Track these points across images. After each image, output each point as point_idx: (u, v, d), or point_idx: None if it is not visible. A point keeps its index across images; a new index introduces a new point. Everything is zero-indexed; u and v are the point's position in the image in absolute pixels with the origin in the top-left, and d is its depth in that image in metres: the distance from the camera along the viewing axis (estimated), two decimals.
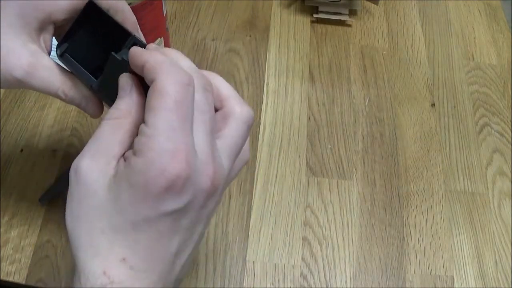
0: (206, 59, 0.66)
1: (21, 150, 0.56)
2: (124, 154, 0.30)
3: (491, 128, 0.64)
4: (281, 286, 0.50)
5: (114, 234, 0.28)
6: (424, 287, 0.51)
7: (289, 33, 0.70)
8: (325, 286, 0.51)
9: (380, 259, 0.53)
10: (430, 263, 0.53)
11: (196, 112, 0.29)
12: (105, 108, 0.39)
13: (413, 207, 0.56)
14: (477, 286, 0.52)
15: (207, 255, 0.51)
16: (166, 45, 0.59)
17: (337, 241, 0.53)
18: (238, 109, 0.32)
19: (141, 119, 0.29)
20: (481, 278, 0.52)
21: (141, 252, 0.28)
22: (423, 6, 0.76)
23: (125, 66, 0.32)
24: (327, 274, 0.51)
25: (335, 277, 0.51)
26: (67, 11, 0.36)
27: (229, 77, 0.64)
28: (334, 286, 0.51)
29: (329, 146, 0.60)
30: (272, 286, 0.50)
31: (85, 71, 0.37)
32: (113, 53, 0.33)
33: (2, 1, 0.35)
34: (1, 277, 0.48)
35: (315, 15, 0.71)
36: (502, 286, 0.52)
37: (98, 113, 0.39)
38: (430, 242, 0.54)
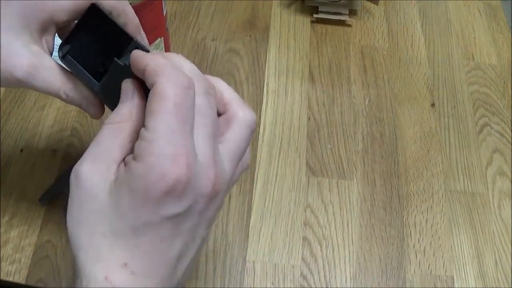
0: (206, 59, 0.66)
1: (21, 150, 0.56)
2: (124, 158, 0.29)
3: (491, 128, 0.64)
4: (281, 286, 0.50)
5: (115, 239, 0.28)
6: (424, 287, 0.51)
7: (289, 33, 0.70)
8: (325, 286, 0.51)
9: (380, 259, 0.53)
10: (430, 263, 0.53)
11: (197, 115, 0.29)
12: (106, 110, 0.39)
13: (413, 207, 0.56)
14: (477, 286, 0.52)
15: (207, 255, 0.51)
16: (166, 45, 0.59)
17: (337, 241, 0.53)
18: (241, 113, 0.32)
19: (142, 124, 0.29)
20: (481, 278, 0.52)
21: (142, 257, 0.28)
22: (423, 6, 0.76)
23: (128, 71, 0.32)
24: (327, 274, 0.51)
25: (335, 277, 0.51)
26: (69, 13, 0.36)
27: (229, 77, 0.64)
28: (334, 286, 0.51)
29: (329, 146, 0.60)
30: (272, 286, 0.50)
31: (87, 73, 0.37)
32: (115, 59, 0.33)
33: (4, 1, 0.35)
34: (1, 277, 0.48)
35: (315, 15, 0.71)
36: (502, 286, 0.52)
37: (99, 114, 0.39)
38: (430, 242, 0.54)
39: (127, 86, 0.32)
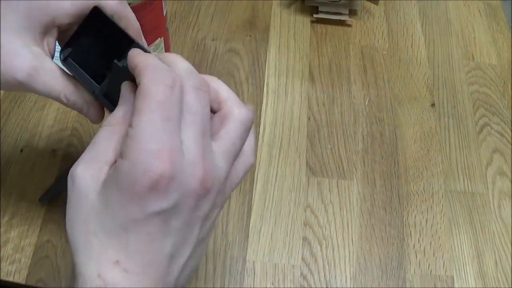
0: (206, 59, 0.66)
1: (21, 150, 0.56)
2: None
3: (491, 128, 0.64)
4: (281, 286, 0.50)
5: (106, 237, 0.28)
6: (424, 287, 0.51)
7: (289, 33, 0.70)
8: (325, 286, 0.51)
9: (380, 259, 0.53)
10: (430, 263, 0.53)
11: (186, 113, 0.29)
12: (106, 113, 0.39)
13: (413, 207, 0.56)
14: (477, 286, 0.52)
15: (207, 255, 0.51)
16: (166, 45, 0.59)
17: (337, 241, 0.53)
18: (236, 110, 0.32)
19: None
20: (481, 278, 0.52)
21: (133, 254, 0.28)
22: (423, 6, 0.76)
23: (127, 73, 0.32)
24: (327, 274, 0.51)
25: (335, 277, 0.51)
26: (71, 16, 0.36)
27: (229, 77, 0.64)
28: (334, 286, 0.51)
29: (329, 146, 0.60)
30: (272, 286, 0.50)
31: (88, 77, 0.37)
32: (115, 61, 0.33)
33: (8, 4, 0.35)
34: (1, 277, 0.48)
35: (315, 15, 0.71)
36: (502, 286, 0.52)
37: (99, 119, 0.39)
38: (430, 242, 0.54)
39: (125, 89, 0.32)
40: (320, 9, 0.71)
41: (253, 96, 0.63)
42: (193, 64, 0.32)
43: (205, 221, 0.31)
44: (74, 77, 0.37)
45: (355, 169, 0.58)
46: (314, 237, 0.53)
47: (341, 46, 0.70)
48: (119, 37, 0.35)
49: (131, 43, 0.34)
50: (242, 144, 0.32)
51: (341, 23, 0.72)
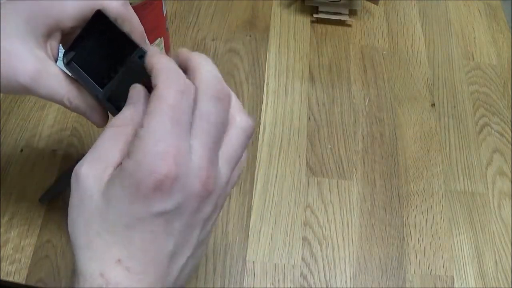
0: None
1: (21, 150, 0.56)
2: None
3: (491, 128, 0.64)
4: (281, 286, 0.50)
5: (109, 236, 0.29)
6: (424, 287, 0.51)
7: (289, 33, 0.70)
8: (325, 286, 0.51)
9: (380, 259, 0.53)
10: (430, 263, 0.53)
11: (200, 119, 0.29)
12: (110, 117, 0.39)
13: (413, 207, 0.56)
14: (477, 286, 0.52)
15: (207, 255, 0.51)
16: (166, 45, 0.59)
17: (337, 241, 0.53)
18: (238, 117, 0.32)
19: None
20: (481, 278, 0.52)
21: (136, 254, 0.29)
22: (423, 6, 0.76)
23: (135, 77, 0.32)
24: (327, 274, 0.51)
25: (335, 277, 0.51)
26: (75, 19, 0.36)
27: (229, 77, 0.64)
28: (334, 286, 0.51)
29: (329, 146, 0.60)
30: (272, 286, 0.50)
31: (91, 81, 0.36)
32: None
33: (11, 8, 0.35)
34: (1, 277, 0.48)
35: (315, 15, 0.71)
36: (502, 286, 0.52)
37: (103, 123, 0.39)
38: (430, 242, 0.54)
39: (135, 91, 0.32)
40: (320, 9, 0.71)
41: (253, 96, 0.63)
42: None
43: (206, 223, 0.31)
44: (77, 81, 0.37)
45: (355, 169, 0.58)
46: (314, 237, 0.53)
47: (341, 46, 0.70)
48: (122, 41, 0.35)
49: (135, 47, 0.34)
50: (243, 151, 0.33)
51: (341, 23, 0.72)
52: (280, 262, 0.51)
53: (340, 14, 0.71)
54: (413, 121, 0.63)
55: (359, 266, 0.52)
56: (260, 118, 0.61)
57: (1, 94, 0.59)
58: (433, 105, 0.65)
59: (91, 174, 0.29)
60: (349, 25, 0.72)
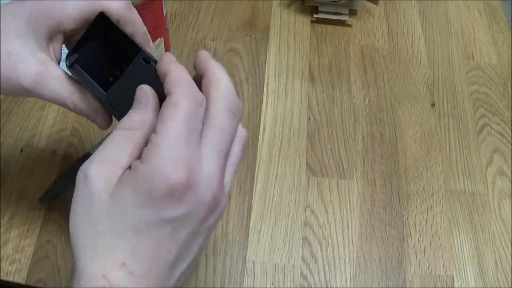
0: None
1: (21, 150, 0.56)
2: (131, 165, 0.30)
3: (491, 128, 0.64)
4: (281, 286, 0.50)
5: (116, 238, 0.29)
6: (424, 287, 0.51)
7: (289, 33, 0.70)
8: (325, 286, 0.51)
9: (380, 259, 0.53)
10: (430, 263, 0.53)
11: (213, 130, 0.30)
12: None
13: (413, 207, 0.56)
14: (477, 286, 0.52)
15: (207, 255, 0.51)
16: (166, 45, 0.59)
17: (337, 241, 0.53)
18: (239, 129, 0.33)
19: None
20: (481, 278, 0.52)
21: (140, 258, 0.29)
22: (423, 6, 0.76)
23: (140, 78, 0.32)
24: (327, 274, 0.51)
25: (335, 277, 0.51)
26: (76, 20, 0.36)
27: (229, 77, 0.64)
28: (334, 286, 0.51)
29: (329, 146, 0.60)
30: (272, 286, 0.50)
31: (94, 83, 0.36)
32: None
33: (12, 9, 0.35)
34: (1, 277, 0.48)
35: (315, 15, 0.71)
36: (502, 286, 0.52)
37: (107, 125, 0.39)
38: (430, 242, 0.54)
39: (142, 92, 0.32)
40: (320, 9, 0.71)
41: (253, 96, 0.63)
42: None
43: (210, 232, 0.32)
44: (80, 83, 0.37)
45: (355, 169, 0.58)
46: (314, 237, 0.53)
47: (341, 46, 0.70)
48: (125, 43, 0.35)
49: (138, 49, 0.34)
50: (240, 160, 0.33)
51: (341, 23, 0.72)
52: (280, 262, 0.51)
53: (340, 14, 0.71)
54: (413, 121, 0.63)
55: (359, 266, 0.52)
56: (260, 118, 0.61)
57: (1, 95, 0.59)
58: (433, 105, 0.65)
59: (100, 175, 0.29)
60: (349, 25, 0.72)
